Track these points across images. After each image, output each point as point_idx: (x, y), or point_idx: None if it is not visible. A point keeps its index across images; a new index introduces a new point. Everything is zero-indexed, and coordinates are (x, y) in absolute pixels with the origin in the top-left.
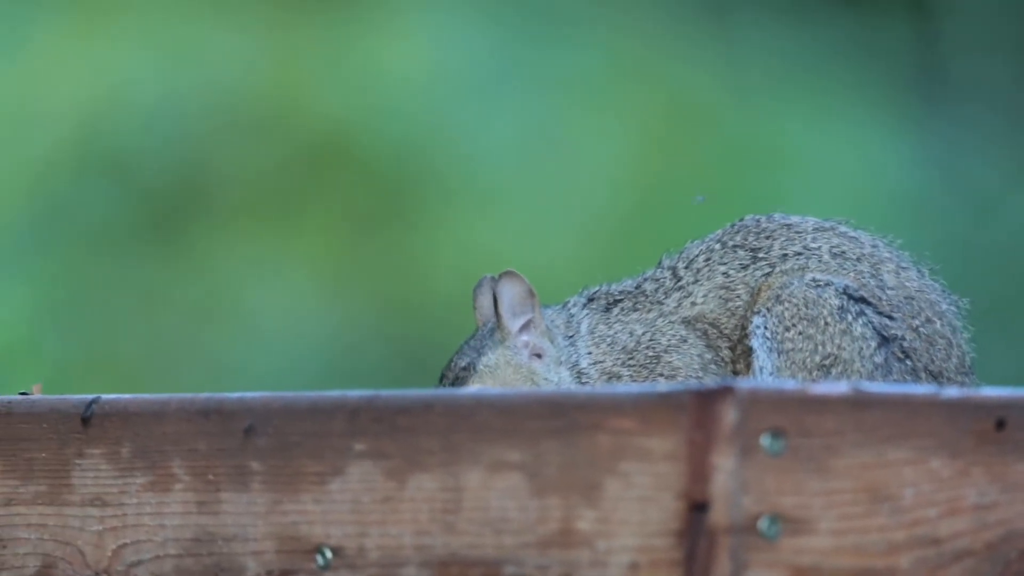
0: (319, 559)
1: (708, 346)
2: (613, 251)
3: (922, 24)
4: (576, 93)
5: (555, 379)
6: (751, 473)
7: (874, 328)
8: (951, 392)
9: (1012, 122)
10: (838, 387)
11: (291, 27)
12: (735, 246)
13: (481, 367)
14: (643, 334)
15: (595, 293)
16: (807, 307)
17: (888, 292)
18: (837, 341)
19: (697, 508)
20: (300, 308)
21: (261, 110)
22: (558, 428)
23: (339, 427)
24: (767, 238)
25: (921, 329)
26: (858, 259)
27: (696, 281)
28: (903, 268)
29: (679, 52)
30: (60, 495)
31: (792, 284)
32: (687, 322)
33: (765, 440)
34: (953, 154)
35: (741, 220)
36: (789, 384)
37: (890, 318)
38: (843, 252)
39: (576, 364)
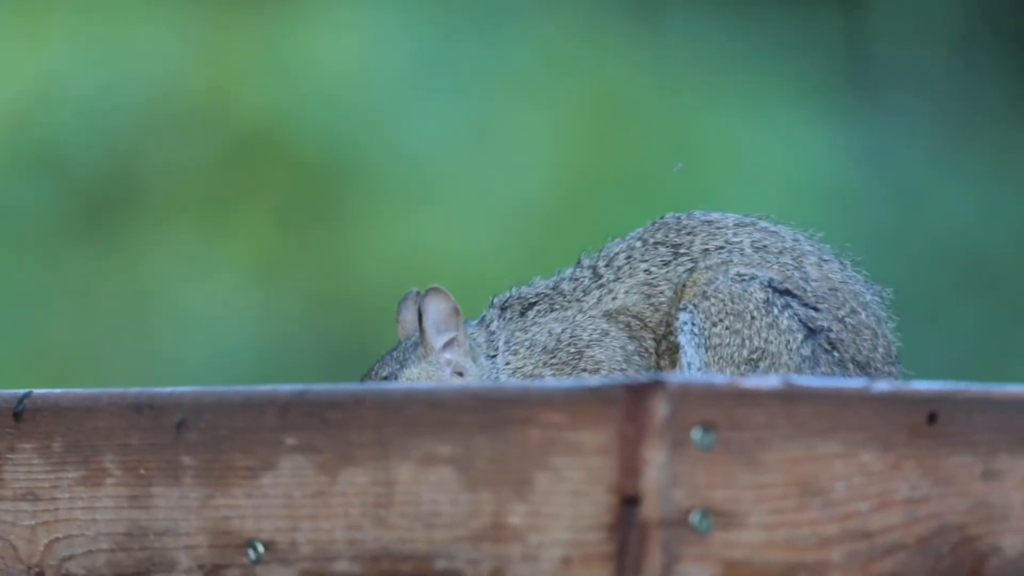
0: (251, 553)
1: (631, 337)
2: (544, 243)
3: (851, 16)
4: (507, 86)
5: None
6: (682, 467)
7: (800, 320)
8: (882, 385)
9: (941, 113)
10: (769, 380)
11: (223, 21)
12: (656, 243)
13: (402, 379)
14: (563, 331)
15: (507, 300)
16: (733, 302)
17: (812, 284)
18: (764, 335)
19: (628, 502)
20: (231, 303)
21: (193, 104)
22: (489, 422)
23: (270, 421)
24: (688, 234)
25: (847, 320)
26: (780, 252)
27: (617, 279)
28: (825, 260)
29: (610, 45)
30: None
31: (718, 279)
32: (608, 315)
33: (696, 434)
34: (883, 145)
35: (662, 218)
36: (720, 378)
37: (815, 310)
38: (765, 246)
39: (497, 379)
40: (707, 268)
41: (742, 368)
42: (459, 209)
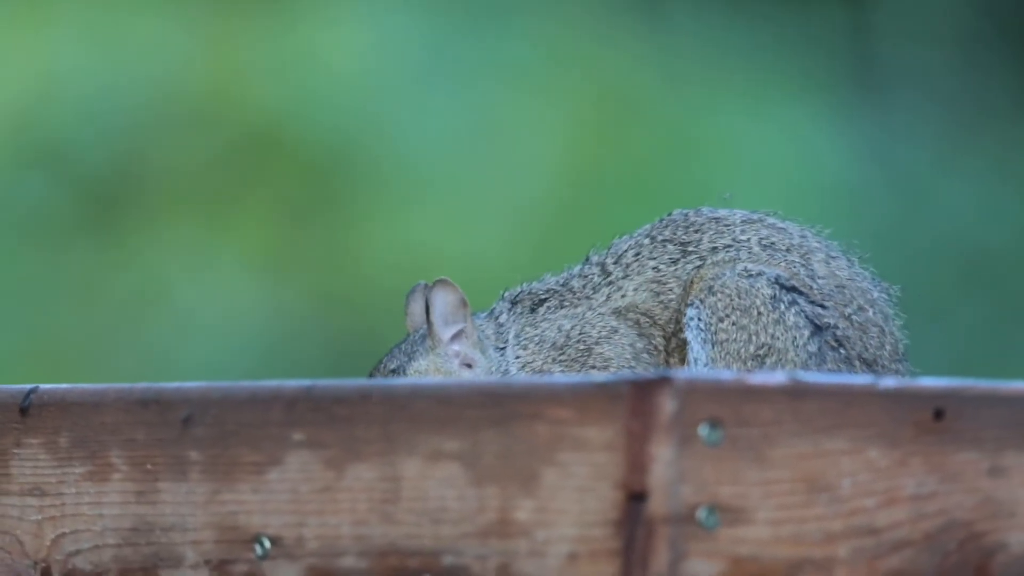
0: (257, 549)
1: (640, 335)
2: (547, 240)
3: (855, 13)
4: (511, 83)
5: None
6: (689, 463)
7: (807, 317)
8: (889, 382)
9: (945, 110)
10: (775, 377)
11: (226, 18)
12: (664, 240)
13: (411, 371)
14: (572, 328)
15: (518, 295)
16: (740, 297)
17: (819, 281)
18: (771, 331)
19: (635, 498)
20: (235, 299)
21: (196, 102)
22: (496, 418)
23: (277, 417)
24: (696, 232)
25: (854, 317)
26: (788, 249)
27: (626, 276)
28: (833, 257)
29: (614, 41)
30: None
31: (724, 275)
32: (617, 313)
33: (703, 430)
34: (887, 142)
35: (669, 215)
36: (727, 374)
37: (822, 307)
38: (772, 243)
39: (506, 372)
40: (714, 264)
41: (748, 364)
42: (463, 206)
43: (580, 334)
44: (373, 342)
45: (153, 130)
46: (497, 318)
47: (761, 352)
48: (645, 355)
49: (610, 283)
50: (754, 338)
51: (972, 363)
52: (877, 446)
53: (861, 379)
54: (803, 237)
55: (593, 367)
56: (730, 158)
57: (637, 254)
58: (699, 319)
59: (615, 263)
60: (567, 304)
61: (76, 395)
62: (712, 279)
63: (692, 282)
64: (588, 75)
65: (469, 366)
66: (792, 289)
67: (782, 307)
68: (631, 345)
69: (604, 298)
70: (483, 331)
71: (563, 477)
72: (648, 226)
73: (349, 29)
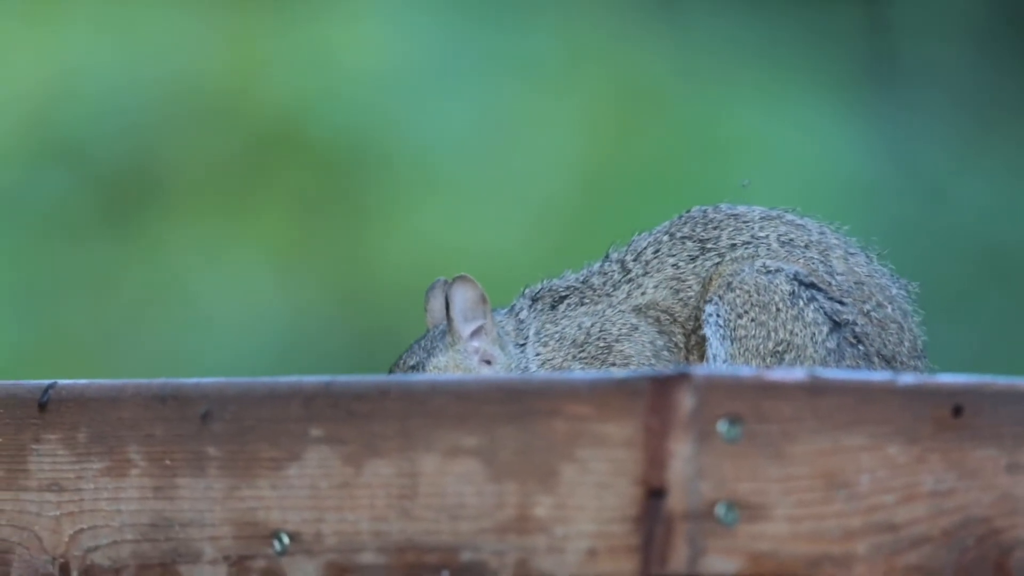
0: (276, 544)
1: (660, 332)
2: (565, 237)
3: (873, 10)
4: (528, 79)
5: None
6: (708, 459)
7: (826, 313)
8: (908, 378)
9: (962, 107)
10: (794, 373)
11: (244, 14)
12: (683, 237)
13: (430, 368)
14: (592, 325)
15: (539, 292)
16: (758, 293)
17: (838, 278)
18: (789, 327)
19: (654, 494)
20: (253, 294)
21: (213, 97)
22: (514, 414)
23: (295, 413)
24: (715, 228)
25: (872, 314)
26: (806, 246)
27: (646, 273)
28: (851, 254)
29: (631, 38)
30: (17, 480)
31: (743, 271)
32: (638, 310)
33: (722, 426)
34: (904, 139)
35: (688, 212)
36: (745, 370)
37: (841, 303)
38: (791, 240)
39: (526, 369)
40: (733, 260)
41: (767, 360)
42: (481, 202)
43: (600, 331)
44: (391, 338)
45: (171, 126)
46: (517, 315)
47: (780, 348)
48: (665, 352)
49: (630, 280)
50: (773, 334)
51: (990, 360)
52: (896, 443)
53: (880, 376)
54: (822, 234)
55: (613, 364)
56: (748, 154)
57: (656, 251)
58: (718, 315)
59: (635, 260)
60: (587, 301)
61: (94, 390)
62: (731, 275)
63: (711, 279)
64: (606, 71)
65: (488, 362)
66: (811, 285)
67: (801, 303)
68: (651, 342)
69: (624, 295)
70: (503, 327)
71: (582, 473)
72: (667, 223)
73: (367, 25)
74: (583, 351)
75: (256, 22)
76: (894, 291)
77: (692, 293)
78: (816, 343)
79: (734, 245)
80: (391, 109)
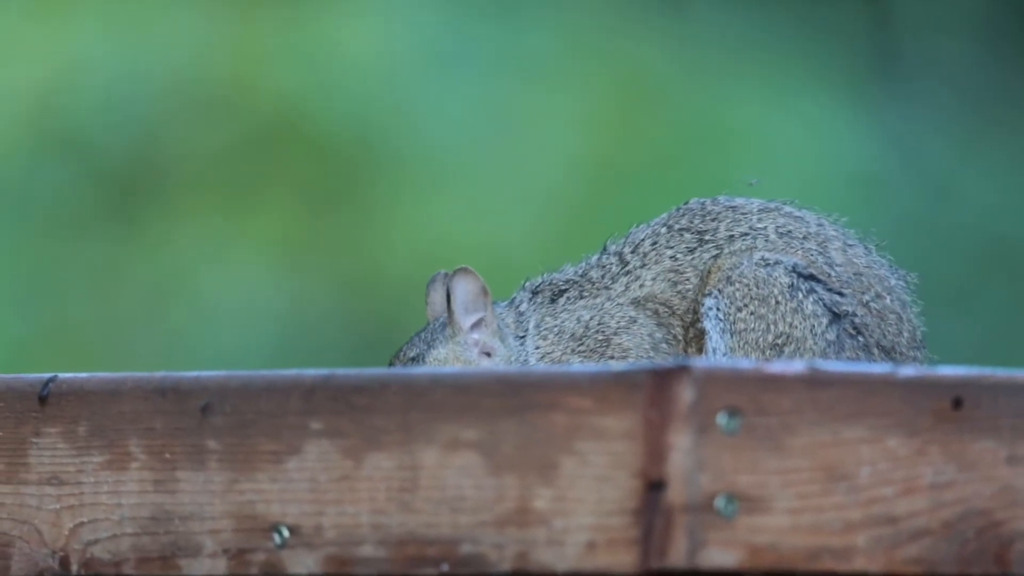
0: (276, 537)
1: (659, 324)
2: (568, 231)
3: (876, 4)
4: (531, 72)
5: None
6: (707, 452)
7: (825, 305)
8: (908, 371)
9: (966, 100)
10: (794, 366)
11: (247, 7)
12: (681, 229)
13: (430, 360)
14: (591, 319)
15: (539, 285)
16: (758, 287)
17: (836, 269)
18: (789, 320)
19: (653, 487)
20: (254, 287)
21: (217, 89)
22: (514, 407)
23: (295, 406)
24: (713, 220)
25: (871, 304)
26: (805, 237)
27: (643, 265)
28: (850, 245)
29: (634, 31)
30: (17, 474)
31: (742, 264)
32: (636, 303)
33: (721, 419)
34: (908, 132)
35: (686, 203)
36: (745, 363)
37: (840, 294)
38: (789, 231)
39: (526, 362)
40: (732, 254)
41: (767, 353)
42: (483, 195)
43: (599, 324)
44: (392, 331)
45: (174, 119)
46: (517, 307)
47: (779, 341)
48: (664, 345)
49: (628, 272)
50: (772, 327)
51: (994, 350)
52: (896, 435)
53: (880, 368)
54: (820, 225)
55: (612, 357)
56: (750, 148)
57: (654, 243)
58: (718, 309)
59: (632, 252)
60: (586, 294)
61: (95, 384)
62: (730, 269)
63: (710, 272)
64: (608, 65)
65: (488, 355)
66: (810, 277)
67: (800, 296)
68: (650, 335)
69: (623, 288)
70: (503, 320)
71: (581, 466)
72: (665, 215)
73: (370, 18)
74: (582, 344)
75: (259, 15)
76: (892, 282)
77: (690, 286)
78: (816, 335)
79: (732, 237)
80: (394, 103)
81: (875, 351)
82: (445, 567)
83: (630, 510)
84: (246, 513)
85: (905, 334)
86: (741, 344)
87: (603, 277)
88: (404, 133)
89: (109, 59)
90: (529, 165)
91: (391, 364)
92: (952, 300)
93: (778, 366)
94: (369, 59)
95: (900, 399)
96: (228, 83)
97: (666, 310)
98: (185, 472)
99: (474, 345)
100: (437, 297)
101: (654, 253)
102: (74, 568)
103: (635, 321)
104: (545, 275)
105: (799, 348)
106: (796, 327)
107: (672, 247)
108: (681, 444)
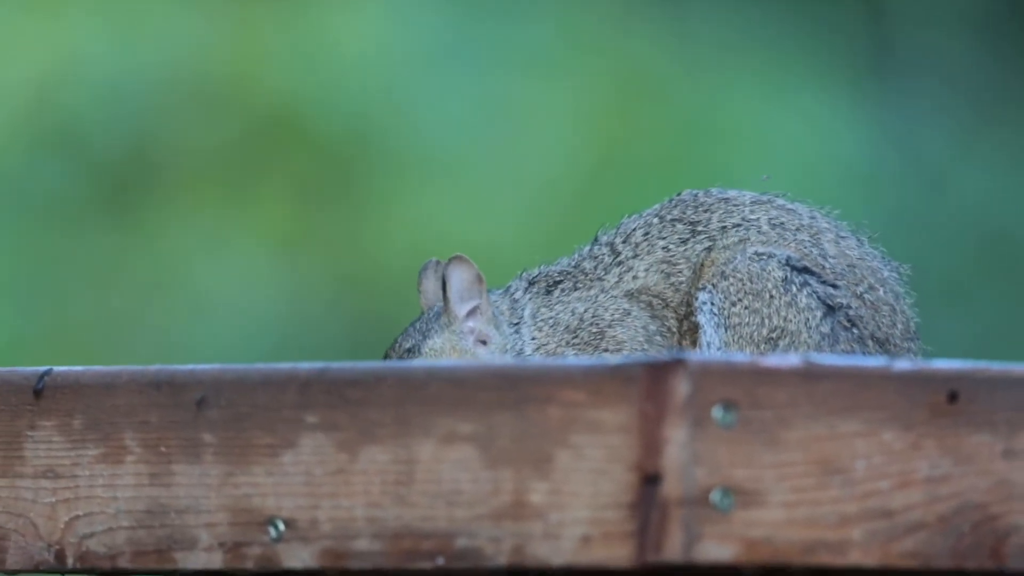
0: (271, 531)
1: (653, 317)
2: (564, 225)
3: None
4: (528, 67)
5: None
6: (703, 445)
7: (819, 298)
8: (903, 364)
9: (962, 94)
10: (789, 359)
11: (244, 1)
12: (673, 220)
13: (426, 350)
14: (585, 311)
15: (535, 276)
16: (752, 281)
17: (830, 261)
18: (783, 313)
19: (649, 480)
20: (251, 282)
21: (213, 84)
22: (510, 400)
23: (291, 399)
24: (705, 211)
25: (865, 296)
26: (797, 229)
27: (636, 256)
28: (842, 237)
29: (631, 25)
30: (12, 467)
31: (736, 259)
32: (630, 295)
33: (717, 412)
34: (904, 126)
35: (678, 195)
36: (740, 357)
37: (834, 287)
38: (782, 223)
39: (521, 351)
40: (725, 247)
41: (762, 347)
42: (480, 190)
43: (593, 317)
44: (389, 325)
45: (171, 113)
46: (512, 295)
47: (774, 335)
48: (658, 337)
49: (620, 263)
50: (767, 321)
51: (990, 344)
52: (891, 428)
53: (875, 361)
54: (812, 218)
55: (606, 350)
56: (747, 143)
57: (646, 233)
58: (712, 303)
59: (624, 243)
60: (580, 286)
61: (90, 377)
62: (724, 263)
63: (703, 266)
64: (606, 59)
65: (484, 343)
66: (803, 270)
67: (794, 289)
68: (644, 328)
69: (616, 279)
70: (498, 307)
71: (577, 460)
72: (657, 206)
73: (367, 13)
74: (576, 337)
75: (256, 9)
76: (885, 273)
77: (683, 278)
78: (810, 328)
79: (724, 228)
80: (391, 97)
81: (869, 343)
82: (441, 561)
83: (626, 504)
84: (242, 507)
85: (899, 326)
86: (736, 338)
87: (596, 268)
88: (401, 128)
89: (107, 54)
90: (527, 161)
91: (387, 355)
92: (948, 294)
93: (773, 360)
94: (367, 54)
95: (895, 392)
96: (225, 78)
97: (660, 302)
98: (180, 465)
99: (470, 333)
100: (430, 285)
101: (646, 244)
102: (70, 561)
103: (629, 313)
104: (542, 267)
105: (794, 341)
106: (790, 320)
107: (664, 238)
108: (677, 437)
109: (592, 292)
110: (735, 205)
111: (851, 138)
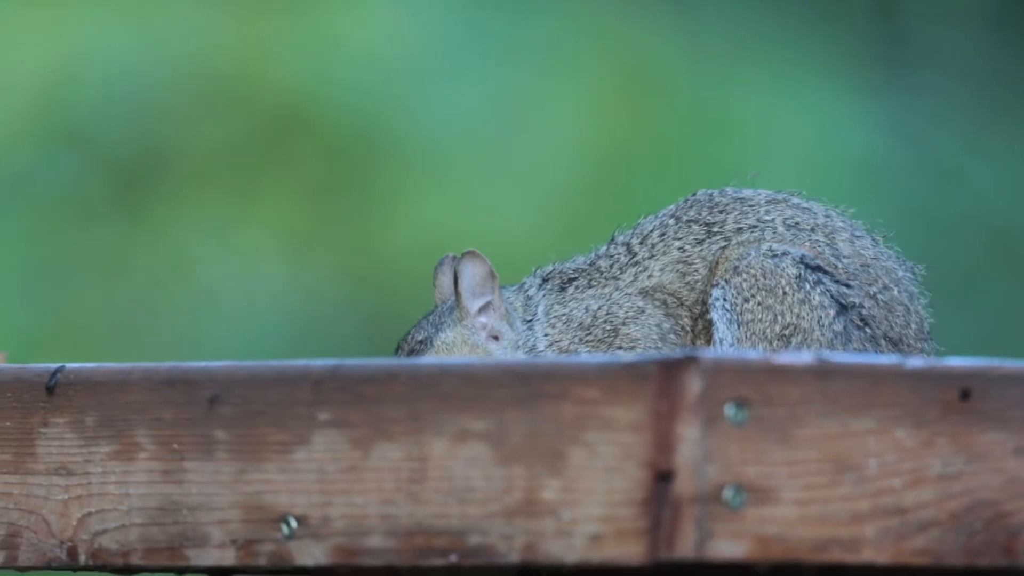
0: (284, 528)
1: (667, 315)
2: (573, 221)
3: None
4: (536, 63)
5: None
6: (715, 442)
7: (832, 296)
8: (915, 362)
9: (971, 89)
10: (802, 357)
11: None
12: (689, 221)
13: (438, 343)
14: (599, 308)
15: (549, 273)
16: (765, 277)
17: (844, 260)
18: (796, 311)
19: (662, 478)
20: (260, 278)
21: (222, 81)
22: (523, 397)
23: (304, 396)
24: (721, 212)
25: (879, 296)
26: (812, 229)
27: (652, 256)
28: (857, 236)
29: (640, 20)
30: (24, 464)
31: (750, 255)
32: (644, 293)
33: (729, 410)
34: (913, 122)
35: (694, 195)
36: (753, 354)
37: (847, 286)
38: (797, 223)
39: (533, 347)
40: (739, 244)
41: (774, 344)
42: (489, 186)
43: (607, 314)
44: (398, 322)
45: (180, 110)
46: (526, 291)
47: (787, 332)
48: (672, 335)
49: (636, 263)
50: (780, 318)
51: (998, 342)
52: (904, 426)
53: (888, 359)
54: (827, 217)
55: (620, 347)
56: (757, 138)
57: (662, 234)
58: (725, 299)
59: (640, 243)
60: (595, 284)
61: (102, 374)
62: (737, 259)
63: (717, 262)
64: (615, 55)
65: (496, 338)
66: (817, 269)
67: (807, 287)
68: (658, 326)
69: (631, 278)
70: (511, 303)
71: (590, 457)
72: (673, 206)
73: (375, 9)
74: (590, 334)
75: (265, 6)
76: (900, 273)
77: (699, 277)
78: (823, 326)
79: (740, 229)
80: (400, 93)
81: (882, 342)
82: (453, 558)
83: (638, 501)
84: (254, 504)
85: (912, 326)
86: (748, 335)
87: (611, 267)
88: (410, 123)
89: (115, 50)
90: (536, 155)
91: (398, 348)
92: (958, 289)
93: (786, 357)
94: (375, 49)
95: (908, 390)
96: (235, 74)
97: (674, 301)
98: (193, 462)
99: (482, 328)
100: (445, 280)
101: (662, 244)
102: (82, 558)
103: (643, 311)
104: (556, 264)
105: (806, 339)
106: (803, 318)
107: (680, 238)
108: (689, 435)
109: (607, 290)
110: (750, 206)
111: (860, 133)
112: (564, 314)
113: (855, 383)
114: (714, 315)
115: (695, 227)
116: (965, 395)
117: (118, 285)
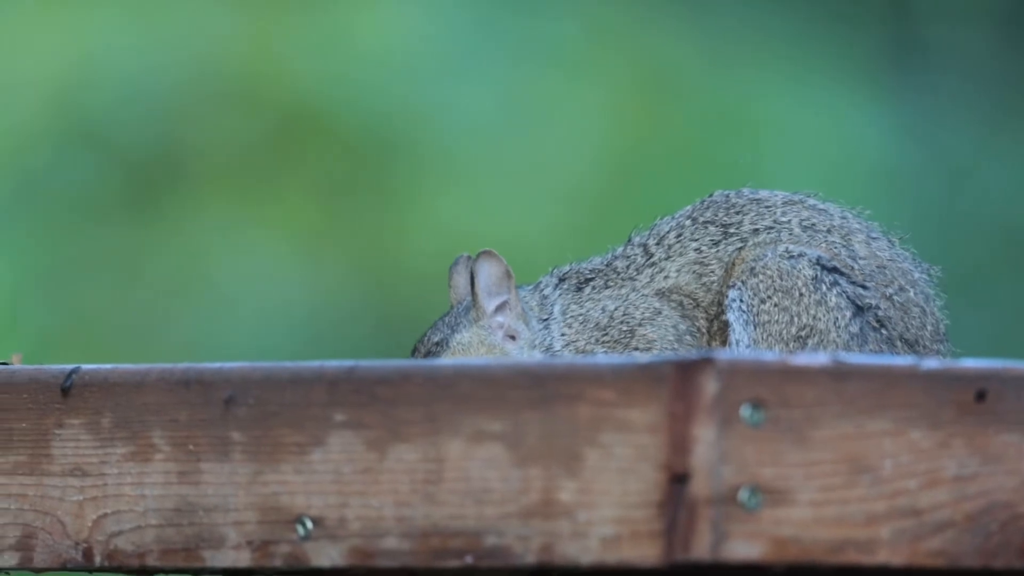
0: (300, 529)
1: (683, 316)
2: (589, 222)
3: None
4: (552, 63)
5: None
6: (731, 444)
7: (848, 298)
8: (931, 363)
9: (987, 91)
10: (818, 358)
11: None
12: (706, 222)
13: (454, 344)
14: (616, 309)
15: (566, 273)
16: (781, 278)
17: (860, 262)
18: (812, 312)
19: (677, 479)
20: (275, 279)
21: (236, 81)
22: (539, 398)
23: (319, 397)
24: (737, 213)
25: (895, 298)
26: (828, 230)
27: (668, 257)
28: (873, 238)
29: (655, 21)
30: (40, 465)
31: (766, 256)
32: (661, 294)
33: (745, 411)
34: (928, 123)
35: (710, 196)
36: (769, 355)
37: (864, 287)
38: (813, 224)
39: (550, 347)
40: (756, 245)
41: (790, 345)
42: (504, 187)
43: (624, 315)
44: (414, 323)
45: (195, 110)
46: (542, 291)
47: (803, 333)
48: (688, 337)
49: (652, 264)
50: (796, 319)
51: (1014, 344)
52: (919, 427)
53: (903, 360)
54: (844, 218)
55: (636, 348)
56: (771, 139)
57: (679, 235)
58: (741, 300)
59: (657, 244)
60: (612, 285)
61: (118, 375)
62: (754, 260)
63: (734, 264)
64: (630, 56)
65: (512, 338)
66: (833, 270)
67: (824, 288)
68: (674, 327)
69: (648, 279)
70: (527, 302)
71: (606, 458)
72: (689, 207)
73: (389, 9)
74: (606, 335)
75: (280, 7)
76: (916, 275)
77: (715, 278)
78: (839, 328)
79: (756, 230)
80: (414, 93)
81: (898, 344)
82: (469, 559)
83: (654, 502)
84: (270, 505)
85: (928, 328)
86: (764, 336)
87: (628, 268)
88: (425, 124)
89: (130, 50)
90: (550, 156)
91: (415, 350)
92: (972, 289)
93: (802, 358)
94: (389, 50)
95: (923, 391)
96: (250, 75)
97: (691, 302)
98: (209, 464)
99: (498, 328)
100: (460, 280)
101: (679, 245)
102: (97, 560)
103: (660, 312)
104: (573, 264)
105: (822, 340)
106: (819, 319)
107: (697, 239)
108: (705, 436)
109: (623, 291)
110: (767, 207)
111: (874, 133)
112: (581, 314)
113: (871, 384)
114: (730, 316)
115: (712, 228)
116: (981, 396)
117: (133, 286)
